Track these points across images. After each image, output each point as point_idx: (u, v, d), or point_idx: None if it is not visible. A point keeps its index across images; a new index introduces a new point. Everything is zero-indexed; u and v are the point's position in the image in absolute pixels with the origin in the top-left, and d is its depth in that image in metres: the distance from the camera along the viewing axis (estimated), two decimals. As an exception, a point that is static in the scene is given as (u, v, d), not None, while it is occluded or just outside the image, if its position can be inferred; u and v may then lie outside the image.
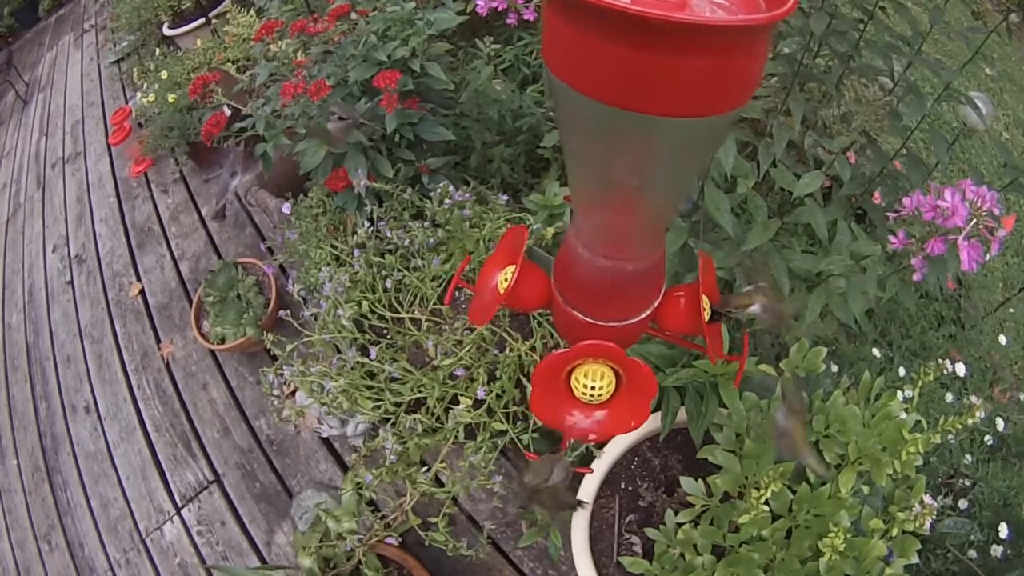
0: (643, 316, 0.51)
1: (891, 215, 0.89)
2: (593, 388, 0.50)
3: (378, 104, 1.13)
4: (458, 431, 1.04)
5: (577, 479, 1.00)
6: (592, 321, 0.50)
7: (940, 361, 0.83)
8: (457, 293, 1.14)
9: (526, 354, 1.06)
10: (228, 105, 1.26)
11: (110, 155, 2.72)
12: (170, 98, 1.92)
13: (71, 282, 2.35)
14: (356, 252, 1.16)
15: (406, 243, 1.15)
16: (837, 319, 1.00)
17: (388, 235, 1.17)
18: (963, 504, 1.15)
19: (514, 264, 0.52)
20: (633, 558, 0.83)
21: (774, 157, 0.99)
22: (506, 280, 0.54)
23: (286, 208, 1.37)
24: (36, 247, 2.64)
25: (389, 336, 1.12)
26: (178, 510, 1.62)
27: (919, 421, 0.79)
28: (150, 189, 2.44)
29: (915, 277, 0.88)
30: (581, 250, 0.46)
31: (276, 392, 1.14)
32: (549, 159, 1.42)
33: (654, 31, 0.25)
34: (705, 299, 0.53)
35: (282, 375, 1.12)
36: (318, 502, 1.23)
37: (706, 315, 0.53)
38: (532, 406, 0.52)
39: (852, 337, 1.38)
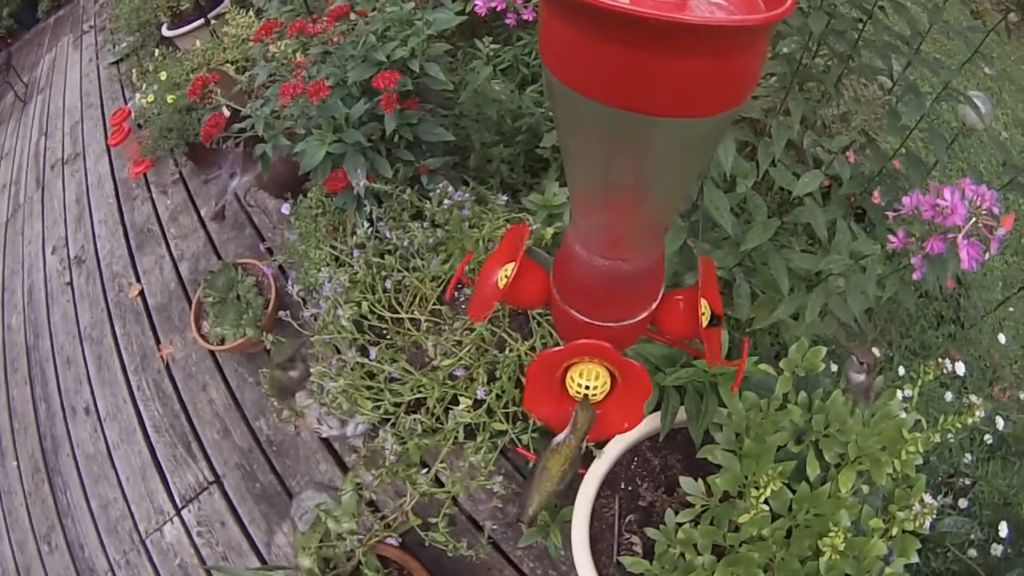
0: (640, 318, 0.51)
1: (890, 214, 0.89)
2: (587, 388, 0.50)
3: (377, 104, 1.13)
4: (458, 431, 1.04)
5: (576, 478, 1.00)
6: (589, 320, 0.50)
7: (940, 360, 0.83)
8: (457, 293, 1.14)
9: (526, 354, 1.06)
10: (227, 106, 1.26)
11: (109, 156, 2.72)
12: (169, 99, 1.92)
13: (70, 283, 2.35)
14: (355, 252, 1.16)
15: (405, 243, 1.15)
16: (837, 319, 1.00)
17: (387, 235, 1.17)
18: (963, 503, 1.15)
19: (514, 261, 0.52)
20: (633, 558, 0.83)
21: (773, 157, 0.99)
22: (506, 276, 0.54)
23: (285, 209, 1.37)
24: (35, 248, 2.64)
25: (389, 336, 1.12)
26: (178, 511, 1.62)
27: (919, 420, 0.79)
28: (149, 190, 2.44)
29: (915, 276, 0.88)
30: (579, 249, 0.46)
31: (276, 393, 1.14)
32: (548, 159, 1.41)
33: (652, 31, 0.25)
34: (704, 303, 0.53)
35: (282, 376, 1.12)
36: (318, 503, 1.23)
37: (705, 320, 0.53)
38: (526, 402, 0.52)
39: (852, 337, 1.37)
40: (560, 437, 0.51)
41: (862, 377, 0.79)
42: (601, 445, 0.99)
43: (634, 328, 0.51)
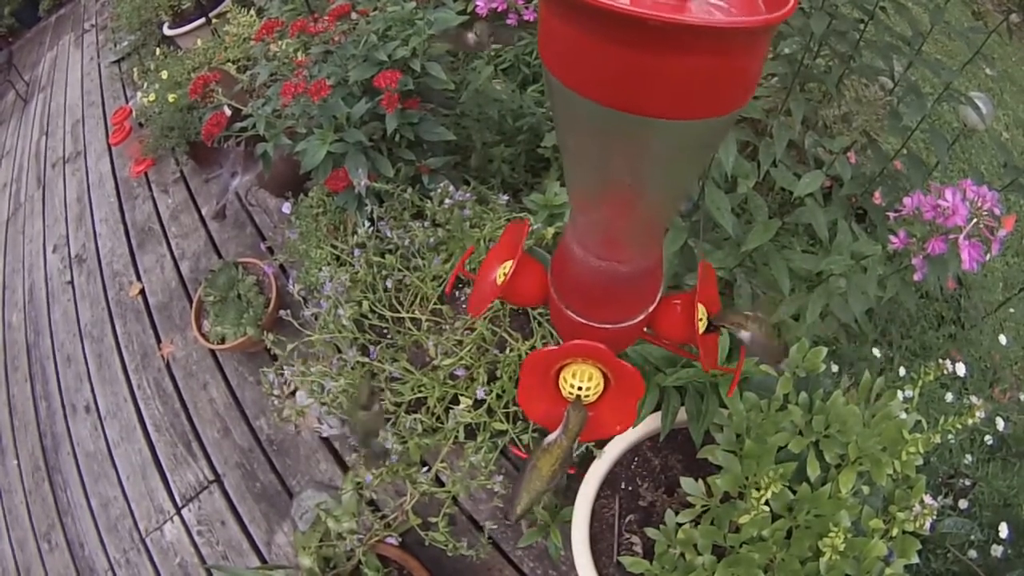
0: (636, 320, 0.50)
1: (891, 215, 0.89)
2: (580, 388, 0.49)
3: (378, 104, 1.13)
4: (458, 431, 1.04)
5: (576, 478, 1.00)
6: (585, 321, 0.50)
7: (940, 361, 0.83)
8: (457, 293, 1.14)
9: (526, 354, 1.06)
10: (228, 105, 1.26)
11: (110, 155, 2.72)
12: (170, 98, 1.92)
13: (71, 282, 2.35)
14: (356, 252, 1.16)
15: (406, 243, 1.15)
16: (837, 319, 1.00)
17: (388, 235, 1.17)
18: (963, 504, 1.15)
19: (513, 258, 0.52)
20: (633, 558, 0.83)
21: (775, 157, 0.99)
22: (504, 273, 0.54)
23: (286, 208, 1.37)
24: (36, 247, 2.64)
25: (389, 336, 1.12)
26: (178, 510, 1.62)
27: (919, 421, 0.79)
28: (150, 189, 2.44)
29: (915, 277, 0.88)
30: (576, 249, 0.46)
31: (276, 392, 1.14)
32: (549, 159, 1.41)
33: (651, 31, 0.24)
34: (702, 309, 0.52)
35: (282, 375, 1.12)
36: (318, 502, 1.23)
37: (701, 326, 0.52)
38: (519, 399, 0.52)
39: (852, 337, 1.37)
40: (551, 437, 0.50)
41: (748, 335, 0.79)
42: (601, 445, 0.99)
43: (630, 331, 0.51)
